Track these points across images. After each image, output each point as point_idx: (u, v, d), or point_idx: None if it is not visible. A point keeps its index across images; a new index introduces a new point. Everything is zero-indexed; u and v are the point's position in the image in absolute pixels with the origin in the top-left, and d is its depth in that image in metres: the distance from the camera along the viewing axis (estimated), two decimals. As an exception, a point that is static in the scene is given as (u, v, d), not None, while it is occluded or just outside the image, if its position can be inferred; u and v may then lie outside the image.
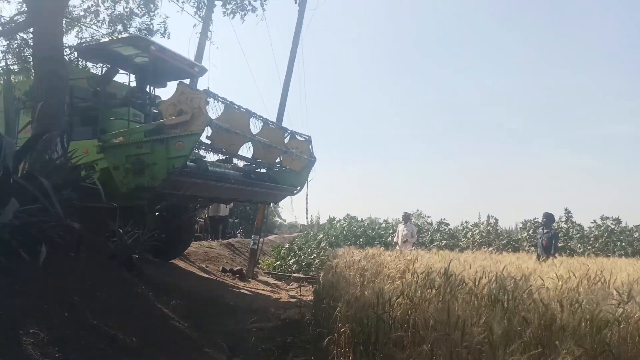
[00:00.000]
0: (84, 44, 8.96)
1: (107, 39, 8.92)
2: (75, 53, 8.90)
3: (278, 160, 9.20)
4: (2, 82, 7.49)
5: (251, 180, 9.06)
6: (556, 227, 13.93)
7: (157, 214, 9.10)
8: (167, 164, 6.59)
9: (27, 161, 4.81)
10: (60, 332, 3.10)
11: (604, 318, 2.97)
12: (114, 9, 9.24)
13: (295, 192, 10.15)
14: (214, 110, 6.94)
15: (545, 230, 10.16)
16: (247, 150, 8.09)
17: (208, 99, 6.75)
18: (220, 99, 7.05)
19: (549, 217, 10.40)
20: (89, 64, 9.39)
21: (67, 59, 9.08)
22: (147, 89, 9.06)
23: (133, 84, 8.94)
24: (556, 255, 9.59)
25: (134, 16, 9.38)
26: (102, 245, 5.50)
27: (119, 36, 9.44)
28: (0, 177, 4.24)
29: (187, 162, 7.06)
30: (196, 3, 9.97)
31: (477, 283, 4.21)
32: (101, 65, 8.75)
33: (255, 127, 8.03)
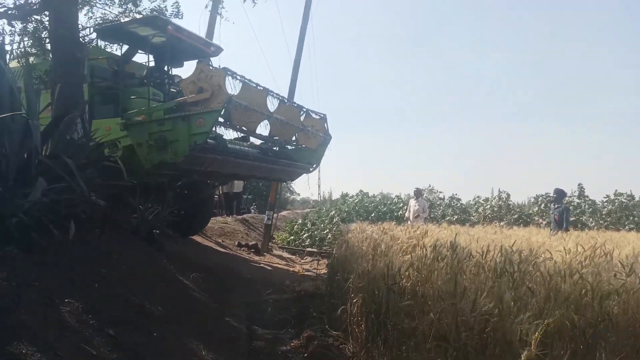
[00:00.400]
0: (103, 25, 9.09)
1: (125, 20, 9.06)
2: (95, 34, 9.04)
3: (294, 138, 9.30)
4: (21, 64, 7.66)
5: (269, 158, 9.23)
6: (567, 202, 14.02)
7: (177, 191, 9.34)
8: (189, 140, 6.79)
9: (50, 142, 5.01)
10: (93, 302, 3.32)
11: (605, 289, 3.12)
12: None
13: (311, 169, 10.31)
14: (232, 88, 7.09)
15: (556, 205, 10.36)
16: (263, 129, 8.25)
17: (227, 77, 6.88)
18: (239, 77, 7.18)
19: (559, 193, 10.64)
20: (109, 45, 9.51)
21: (85, 39, 9.26)
22: (165, 69, 9.21)
23: (152, 64, 9.09)
24: (568, 228, 9.76)
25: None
26: (125, 221, 5.73)
27: (134, 16, 9.52)
28: (27, 158, 4.45)
29: (207, 140, 7.24)
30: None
31: (484, 256, 4.37)
32: (120, 45, 8.89)
33: (271, 105, 8.16)
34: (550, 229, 10.13)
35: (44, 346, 2.46)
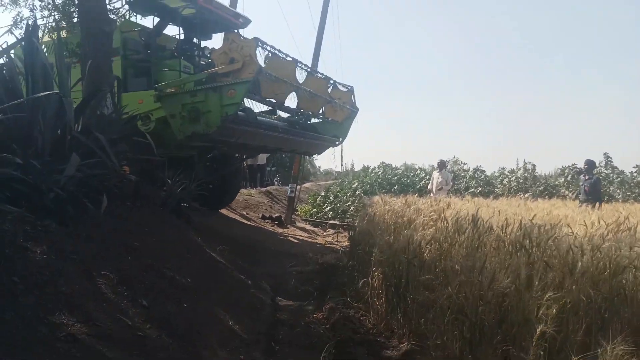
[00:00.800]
0: None
1: None
2: (127, 6, 9.15)
3: (321, 111, 9.28)
4: (53, 39, 7.83)
5: (296, 130, 9.28)
6: (596, 173, 13.80)
7: (207, 164, 9.53)
8: (221, 111, 6.88)
9: (82, 118, 5.18)
10: (126, 273, 3.51)
11: (622, 263, 3.15)
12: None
13: (337, 143, 10.31)
14: (262, 59, 7.12)
15: (587, 177, 10.27)
16: (291, 101, 8.29)
17: (257, 47, 6.92)
18: (269, 48, 7.20)
19: (590, 164, 10.54)
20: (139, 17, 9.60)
21: (117, 12, 9.37)
22: (195, 41, 9.27)
23: (182, 36, 9.18)
24: (601, 201, 9.68)
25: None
26: (155, 194, 5.93)
27: None
28: (61, 135, 4.63)
29: (238, 112, 7.33)
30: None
31: (504, 230, 4.42)
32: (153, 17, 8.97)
33: (300, 76, 8.17)
34: (580, 201, 10.04)
35: (83, 317, 2.64)
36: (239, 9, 12.74)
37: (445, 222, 5.14)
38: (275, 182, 23.30)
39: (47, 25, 8.77)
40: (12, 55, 5.32)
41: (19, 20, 8.90)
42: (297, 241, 10.53)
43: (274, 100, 7.91)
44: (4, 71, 4.46)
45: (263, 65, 7.03)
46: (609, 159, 16.47)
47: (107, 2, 7.65)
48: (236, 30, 9.03)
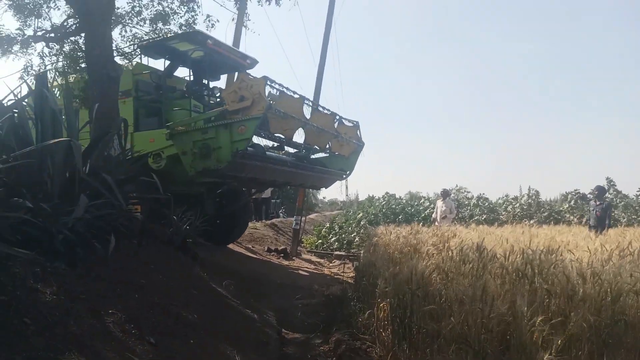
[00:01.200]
0: (145, 42, 9.54)
1: (168, 35, 9.48)
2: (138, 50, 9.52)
3: (328, 145, 9.41)
4: (60, 85, 8.12)
5: (304, 165, 9.42)
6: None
7: (217, 200, 9.63)
8: (232, 147, 7.04)
9: (90, 160, 5.33)
10: (134, 312, 3.57)
11: (622, 289, 3.19)
12: (157, 8, 9.70)
13: (344, 176, 10.40)
14: (270, 96, 7.27)
15: (598, 202, 10.37)
16: (298, 136, 8.42)
17: (266, 85, 7.11)
18: (277, 85, 7.39)
19: (600, 190, 10.75)
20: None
21: (130, 57, 9.71)
22: (204, 82, 9.52)
23: (191, 77, 9.45)
24: (610, 226, 9.78)
25: (175, 15, 9.82)
26: (161, 232, 6.01)
27: (170, 33, 9.92)
28: (69, 177, 4.76)
29: (248, 147, 7.45)
30: (235, -1, 10.36)
31: (507, 258, 4.47)
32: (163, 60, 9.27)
33: (306, 112, 8.32)
34: (590, 226, 10.09)
35: (93, 356, 2.69)
36: (241, 48, 13.13)
37: (450, 251, 5.19)
38: (281, 215, 23.37)
39: (56, 69, 9.07)
40: (24, 102, 5.52)
41: (29, 67, 9.23)
42: (303, 273, 10.54)
43: (282, 136, 8.05)
44: (16, 118, 4.61)
45: (272, 102, 7.20)
46: (612, 183, 16.56)
47: (114, 48, 7.95)
48: (245, 71, 9.30)
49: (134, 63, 9.47)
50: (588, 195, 15.90)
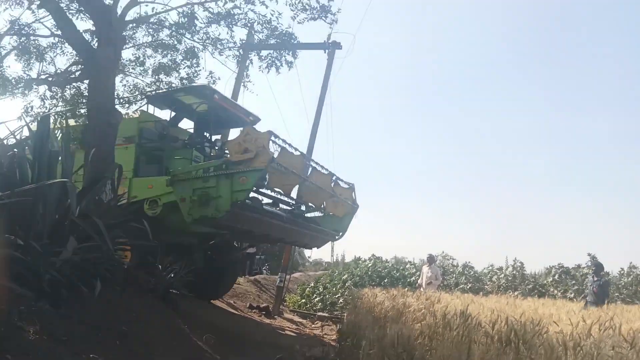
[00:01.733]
0: (153, 93, 9.83)
1: (175, 87, 9.78)
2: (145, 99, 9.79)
3: (323, 205, 9.44)
4: (58, 125, 8.25)
5: (300, 222, 9.40)
6: (581, 274, 14.07)
7: (208, 252, 9.57)
8: (232, 197, 7.03)
9: (82, 203, 5.35)
10: (114, 357, 3.51)
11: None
12: (160, 60, 10.06)
13: (337, 237, 10.38)
14: (273, 151, 7.35)
15: (595, 278, 10.41)
16: (293, 193, 8.52)
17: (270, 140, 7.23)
18: (280, 141, 7.48)
19: (598, 266, 10.88)
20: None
21: (129, 103, 9.95)
22: (206, 134, 9.70)
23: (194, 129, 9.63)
24: (606, 302, 9.71)
25: (177, 69, 10.17)
26: (145, 280, 5.95)
27: (175, 85, 10.23)
28: (60, 218, 4.78)
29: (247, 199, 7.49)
30: (236, 59, 10.74)
31: (492, 326, 4.47)
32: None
33: (306, 169, 8.46)
34: (587, 302, 10.03)
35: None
36: (239, 101, 13.45)
37: (434, 317, 5.18)
38: (264, 271, 23.04)
39: (56, 113, 9.24)
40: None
41: (29, 108, 9.40)
42: (284, 333, 10.32)
43: (281, 191, 8.12)
44: (15, 157, 4.69)
45: (274, 156, 7.28)
46: (594, 259, 16.69)
47: (115, 97, 8.17)
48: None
49: (136, 111, 9.67)
50: (572, 270, 16.03)
